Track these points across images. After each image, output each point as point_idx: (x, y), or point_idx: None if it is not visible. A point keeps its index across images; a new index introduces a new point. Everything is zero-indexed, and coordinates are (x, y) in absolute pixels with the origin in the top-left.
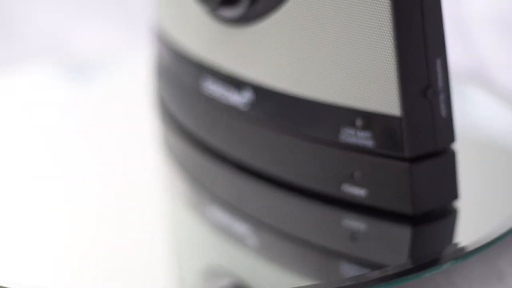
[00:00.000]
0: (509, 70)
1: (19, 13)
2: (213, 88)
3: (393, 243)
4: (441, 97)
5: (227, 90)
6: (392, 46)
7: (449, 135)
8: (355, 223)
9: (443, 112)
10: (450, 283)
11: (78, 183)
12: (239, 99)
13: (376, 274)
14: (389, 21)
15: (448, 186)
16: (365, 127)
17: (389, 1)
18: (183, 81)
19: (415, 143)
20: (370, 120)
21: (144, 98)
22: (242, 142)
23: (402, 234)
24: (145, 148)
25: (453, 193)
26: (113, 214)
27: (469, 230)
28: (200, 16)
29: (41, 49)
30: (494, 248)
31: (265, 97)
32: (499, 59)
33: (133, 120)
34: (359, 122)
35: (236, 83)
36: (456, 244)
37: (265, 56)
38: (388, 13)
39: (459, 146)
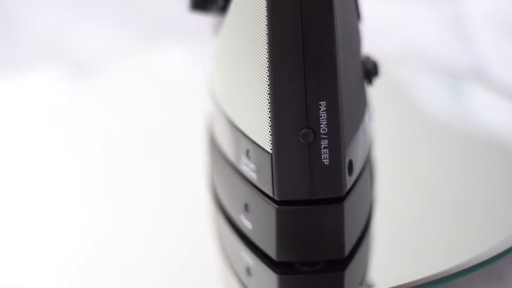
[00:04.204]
0: (509, 69)
1: (19, 13)
2: None
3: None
4: (324, 143)
5: None
6: (267, 83)
7: (334, 185)
8: (247, 258)
9: (326, 160)
10: (450, 283)
11: (83, 186)
12: None
13: None
14: (265, 56)
15: (327, 241)
16: (252, 159)
17: (267, 38)
18: None
19: (284, 186)
20: (255, 152)
21: (144, 98)
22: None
23: (271, 280)
24: (147, 148)
25: (335, 249)
26: (120, 219)
27: (470, 232)
28: None
29: (42, 50)
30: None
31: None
32: (499, 58)
33: (132, 120)
34: (249, 152)
35: None
36: None
37: (216, 66)
38: (265, 48)
39: (459, 144)
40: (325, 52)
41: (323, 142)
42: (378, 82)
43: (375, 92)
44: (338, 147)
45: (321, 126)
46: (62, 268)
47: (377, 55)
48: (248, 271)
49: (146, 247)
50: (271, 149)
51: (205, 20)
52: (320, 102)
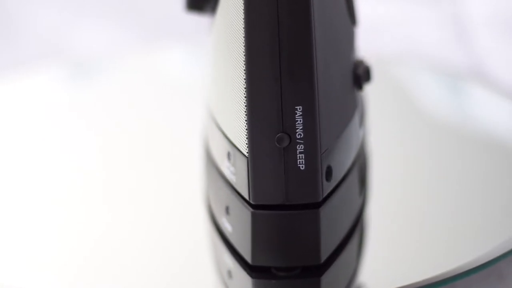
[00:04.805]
0: (509, 69)
1: (19, 13)
2: None
3: None
4: (300, 148)
5: None
6: (243, 85)
7: (309, 191)
8: (228, 260)
9: (302, 165)
10: (449, 283)
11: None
12: None
13: None
14: (243, 58)
15: (303, 247)
16: (232, 162)
17: (244, 40)
18: None
19: (259, 190)
20: (234, 155)
21: (144, 98)
22: None
23: (247, 284)
24: (147, 148)
25: (310, 255)
26: (114, 217)
27: (470, 234)
28: None
29: (42, 50)
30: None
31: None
32: (499, 58)
33: (132, 120)
34: (229, 155)
35: None
36: None
37: (208, 67)
38: (242, 51)
39: (459, 144)
40: (301, 56)
41: (299, 147)
42: (378, 82)
43: (375, 92)
44: (314, 153)
45: (297, 131)
46: (62, 268)
47: (377, 55)
48: (230, 274)
49: (144, 247)
50: (247, 152)
51: (204, 20)
52: (296, 107)
